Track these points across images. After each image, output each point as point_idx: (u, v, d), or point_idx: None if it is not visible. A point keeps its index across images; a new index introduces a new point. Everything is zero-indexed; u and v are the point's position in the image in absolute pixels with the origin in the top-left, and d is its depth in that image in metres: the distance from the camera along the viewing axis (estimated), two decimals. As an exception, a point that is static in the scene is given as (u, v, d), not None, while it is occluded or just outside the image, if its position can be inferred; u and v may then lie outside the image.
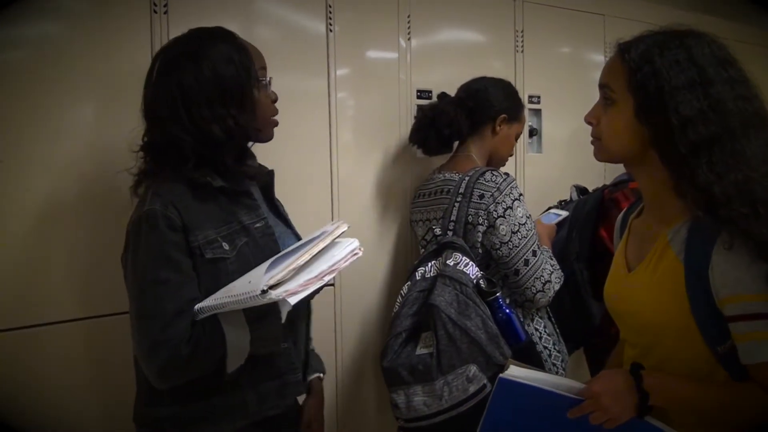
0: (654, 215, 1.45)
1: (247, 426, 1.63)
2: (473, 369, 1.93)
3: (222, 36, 1.65)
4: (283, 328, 1.56)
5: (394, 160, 2.63)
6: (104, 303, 1.94)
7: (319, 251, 1.50)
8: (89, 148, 1.92)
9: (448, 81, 2.55)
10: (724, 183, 1.25)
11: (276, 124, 1.74)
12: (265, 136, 1.73)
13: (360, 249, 1.61)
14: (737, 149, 1.27)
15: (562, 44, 3.27)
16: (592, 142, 1.46)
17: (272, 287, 1.38)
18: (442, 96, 2.51)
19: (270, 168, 1.83)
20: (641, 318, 1.42)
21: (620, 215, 1.71)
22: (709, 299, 1.28)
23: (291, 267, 1.42)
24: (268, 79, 1.70)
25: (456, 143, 2.48)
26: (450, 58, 2.79)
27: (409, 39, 2.65)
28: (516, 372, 1.38)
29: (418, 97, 2.68)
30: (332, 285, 2.44)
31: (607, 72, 1.42)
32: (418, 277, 2.16)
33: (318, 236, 1.55)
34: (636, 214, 1.57)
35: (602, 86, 1.42)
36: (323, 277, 1.48)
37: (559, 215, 2.59)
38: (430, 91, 2.68)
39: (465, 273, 2.04)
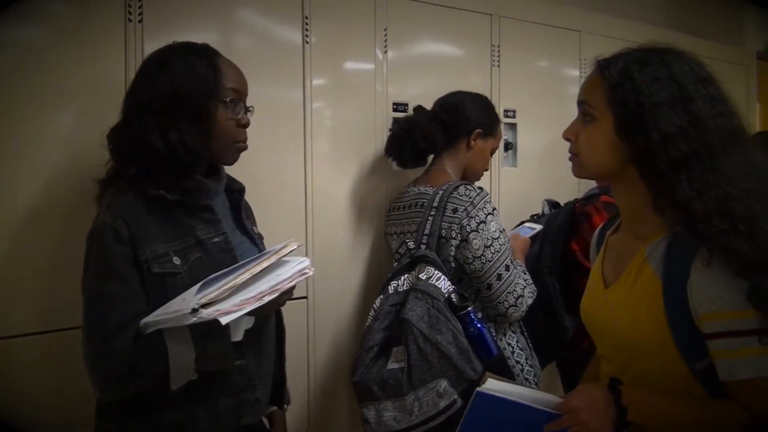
0: (631, 231, 1.45)
1: None
2: (444, 384, 1.92)
3: (196, 51, 1.65)
4: (240, 345, 1.55)
5: (369, 172, 2.62)
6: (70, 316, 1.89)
7: (264, 270, 1.50)
8: (61, 156, 1.90)
9: (424, 94, 2.56)
10: (704, 199, 1.26)
11: (240, 149, 1.70)
12: (224, 159, 1.70)
13: (310, 269, 1.60)
14: (717, 166, 1.28)
15: (537, 59, 3.29)
16: (570, 159, 1.46)
17: (205, 306, 1.37)
18: (418, 109, 2.51)
19: (241, 184, 1.83)
20: (619, 335, 1.41)
21: (596, 231, 1.71)
22: (687, 316, 1.27)
23: (227, 286, 1.41)
24: (240, 103, 1.67)
25: (431, 157, 2.48)
26: (426, 70, 2.80)
27: (385, 51, 2.65)
28: (493, 385, 1.36)
29: (394, 110, 2.68)
30: (305, 298, 2.42)
31: (586, 88, 1.42)
32: (390, 291, 2.15)
33: (263, 255, 1.53)
34: (613, 230, 1.57)
35: (581, 103, 1.42)
36: (263, 297, 1.47)
37: (533, 229, 2.60)
38: (406, 104, 2.68)
39: (437, 287, 2.03)
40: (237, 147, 1.69)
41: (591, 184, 2.84)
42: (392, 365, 2.00)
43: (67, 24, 1.91)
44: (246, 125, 1.69)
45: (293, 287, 1.59)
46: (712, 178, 1.27)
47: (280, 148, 2.32)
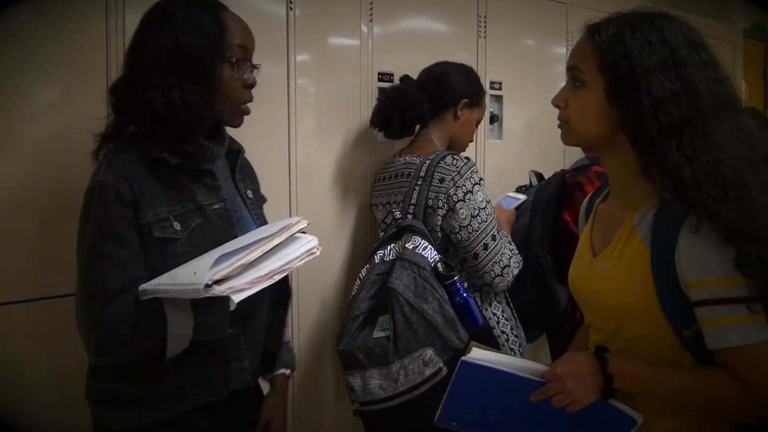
0: (620, 200, 1.44)
1: (193, 411, 1.59)
2: (429, 352, 1.92)
3: (202, 4, 1.56)
4: (232, 315, 1.49)
5: (354, 144, 2.61)
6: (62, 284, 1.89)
7: (273, 248, 1.47)
8: (48, 128, 1.88)
9: (410, 65, 2.53)
10: (694, 165, 1.24)
11: (245, 112, 1.64)
12: (229, 121, 1.65)
13: (318, 248, 1.58)
14: (708, 132, 1.26)
15: (524, 32, 3.27)
16: (560, 126, 1.44)
17: (217, 282, 1.34)
18: (405, 79, 2.49)
19: (239, 145, 1.78)
20: (606, 303, 1.41)
21: (585, 200, 1.70)
22: (675, 284, 1.27)
23: (240, 263, 1.38)
24: (247, 63, 1.60)
25: (417, 127, 2.46)
26: (412, 42, 2.77)
27: (371, 22, 2.62)
28: (478, 355, 1.35)
29: (380, 80, 2.65)
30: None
31: (577, 53, 1.40)
32: (376, 261, 2.14)
33: (274, 232, 1.50)
34: (602, 198, 1.56)
35: (571, 68, 1.39)
36: (273, 276, 1.44)
37: (518, 199, 2.60)
38: (392, 74, 2.66)
39: (423, 256, 2.03)
40: (242, 109, 1.63)
41: (577, 156, 2.83)
42: (378, 334, 2.00)
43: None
44: (252, 86, 1.62)
45: None
46: (703, 145, 1.26)
47: (264, 123, 2.27)
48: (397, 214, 2.21)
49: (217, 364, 1.61)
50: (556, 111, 1.45)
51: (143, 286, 1.44)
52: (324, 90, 2.51)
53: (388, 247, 2.15)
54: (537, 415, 1.36)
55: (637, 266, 1.32)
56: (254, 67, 1.63)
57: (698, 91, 1.28)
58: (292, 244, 1.53)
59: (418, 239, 2.08)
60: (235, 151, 1.75)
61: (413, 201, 2.19)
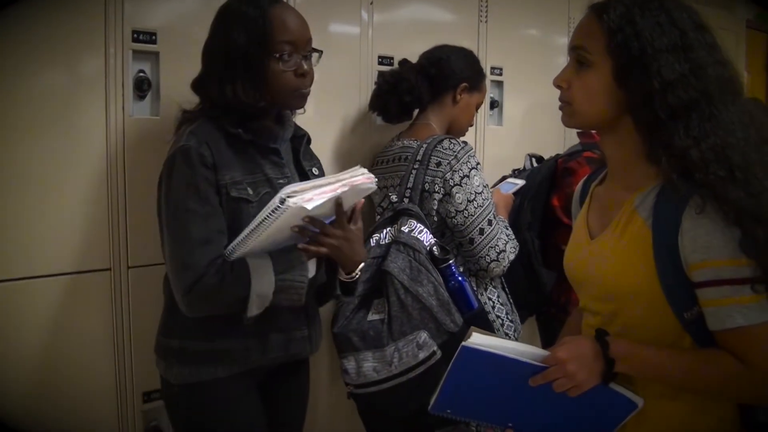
0: (620, 182, 1.42)
1: (249, 371, 1.77)
2: (424, 336, 1.92)
3: (257, 4, 1.71)
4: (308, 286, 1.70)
5: (353, 128, 2.59)
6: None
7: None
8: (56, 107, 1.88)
9: (410, 52, 2.51)
10: (702, 147, 1.23)
11: (303, 95, 1.79)
12: (288, 106, 1.83)
13: (375, 180, 1.72)
14: (714, 114, 1.26)
15: (526, 17, 3.25)
16: (561, 108, 1.41)
17: (290, 196, 1.51)
18: (404, 62, 2.47)
19: (303, 131, 1.95)
20: (605, 285, 1.39)
21: (580, 183, 1.68)
22: (678, 265, 1.26)
23: (308, 185, 1.57)
24: (296, 55, 1.73)
25: (416, 111, 2.45)
26: (413, 28, 2.75)
27: (371, 5, 2.59)
28: (479, 340, 1.32)
29: (380, 63, 2.63)
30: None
31: (582, 33, 1.37)
32: (372, 244, 2.14)
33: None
34: (598, 182, 1.55)
35: (576, 48, 1.36)
36: (337, 189, 1.61)
37: (516, 185, 2.59)
38: (392, 58, 2.64)
39: (419, 240, 2.03)
40: (299, 94, 1.77)
41: (572, 142, 2.82)
42: (372, 317, 2.00)
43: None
44: (304, 74, 1.75)
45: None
46: (710, 127, 1.25)
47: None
48: (394, 198, 2.20)
49: (279, 331, 1.78)
50: (557, 97, 1.42)
51: (230, 246, 1.63)
52: (324, 75, 2.47)
53: (384, 231, 2.15)
54: (535, 401, 1.35)
55: (638, 248, 1.31)
56: (305, 56, 1.76)
57: (706, 74, 1.27)
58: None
59: (414, 223, 2.08)
60: (300, 136, 1.92)
61: (410, 185, 2.18)
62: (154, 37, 2.01)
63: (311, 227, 1.65)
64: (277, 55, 1.70)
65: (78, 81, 1.92)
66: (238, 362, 1.74)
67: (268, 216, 1.53)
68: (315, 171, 1.94)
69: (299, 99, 1.79)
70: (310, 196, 1.54)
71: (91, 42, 1.92)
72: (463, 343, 1.33)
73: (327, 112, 2.51)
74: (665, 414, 1.35)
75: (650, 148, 1.30)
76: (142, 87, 2.01)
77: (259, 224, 1.55)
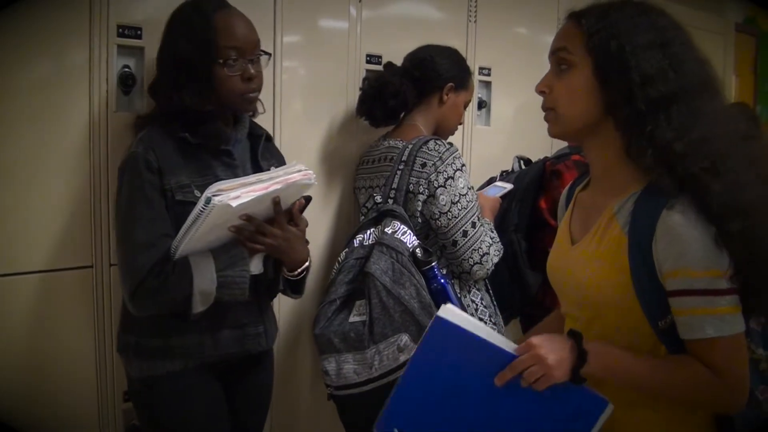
0: (602, 188, 1.43)
1: (205, 365, 1.83)
2: (405, 338, 1.92)
3: (198, 9, 1.76)
4: (250, 282, 1.75)
5: (340, 126, 2.58)
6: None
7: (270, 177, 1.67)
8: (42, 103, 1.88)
9: (399, 49, 2.50)
10: (685, 140, 1.25)
11: (251, 99, 1.83)
12: (238, 110, 1.86)
13: (313, 177, 1.73)
14: (695, 108, 1.27)
15: (515, 18, 3.25)
16: (546, 117, 1.42)
17: (216, 195, 1.55)
18: (388, 66, 2.46)
19: (262, 130, 1.97)
20: (583, 291, 1.40)
21: (566, 188, 1.69)
22: (652, 273, 1.27)
23: (236, 182, 1.60)
24: (241, 60, 1.76)
25: (403, 113, 2.44)
26: (402, 26, 2.74)
27: (360, 2, 2.58)
28: (451, 315, 1.27)
29: (368, 62, 2.63)
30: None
31: (562, 36, 1.39)
32: (356, 245, 2.14)
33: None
34: (582, 186, 1.55)
35: (557, 50, 1.38)
36: (269, 188, 1.63)
37: (504, 188, 2.58)
38: (380, 56, 2.63)
39: (402, 241, 2.03)
40: (246, 98, 1.81)
41: (561, 145, 2.82)
42: (354, 318, 2.00)
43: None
44: (251, 78, 1.78)
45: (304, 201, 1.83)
46: (691, 121, 1.26)
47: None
48: (378, 199, 2.19)
49: (233, 328, 1.84)
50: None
51: (173, 244, 1.67)
52: (311, 72, 2.48)
53: (368, 232, 2.14)
54: (501, 404, 1.29)
55: (614, 255, 1.31)
56: (252, 60, 1.79)
57: (684, 70, 1.28)
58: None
59: (397, 224, 2.07)
60: (258, 135, 1.95)
61: (394, 185, 2.18)
62: (139, 32, 1.99)
63: (248, 226, 1.70)
64: (222, 61, 1.73)
65: (62, 75, 1.91)
66: (192, 357, 1.80)
67: (197, 215, 1.58)
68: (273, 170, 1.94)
69: (246, 103, 1.83)
70: (238, 194, 1.57)
71: (75, 37, 1.91)
72: (437, 313, 1.28)
73: (314, 111, 2.51)
74: (640, 423, 1.36)
75: (632, 143, 1.30)
76: (127, 82, 2.00)
77: (191, 224, 1.61)
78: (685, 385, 1.29)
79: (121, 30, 1.97)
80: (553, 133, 1.43)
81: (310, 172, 1.73)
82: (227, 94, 1.77)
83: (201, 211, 1.56)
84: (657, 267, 1.26)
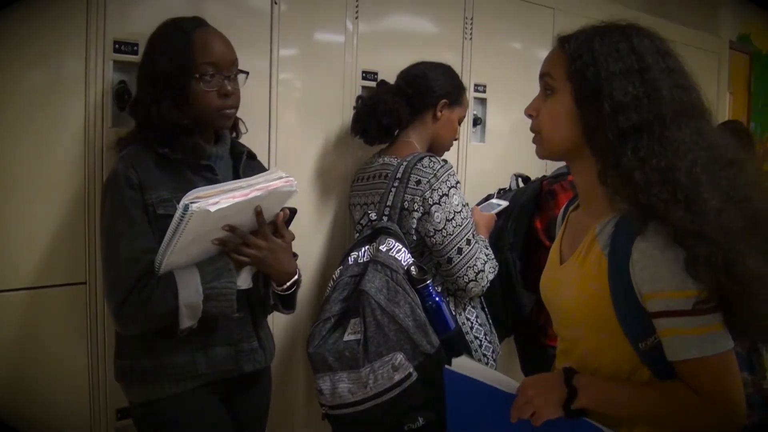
0: (587, 209, 1.45)
1: (207, 385, 1.81)
2: (399, 357, 1.91)
3: (178, 27, 1.80)
4: (239, 300, 1.75)
5: (335, 143, 2.58)
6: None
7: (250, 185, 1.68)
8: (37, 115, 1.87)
9: (394, 64, 2.51)
10: (646, 169, 1.25)
11: (227, 115, 1.84)
12: (214, 125, 1.86)
13: (294, 182, 1.73)
14: (665, 136, 1.27)
15: (510, 35, 3.26)
16: (534, 139, 1.44)
17: (194, 203, 1.55)
18: (381, 84, 2.47)
19: (243, 148, 1.98)
20: (567, 311, 1.42)
21: (562, 208, 1.70)
22: (631, 294, 1.27)
23: (216, 189, 1.61)
24: (218, 75, 1.78)
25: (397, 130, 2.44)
26: (398, 41, 2.75)
27: (356, 19, 2.59)
28: (459, 364, 1.41)
29: (364, 78, 2.63)
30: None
31: (548, 61, 1.41)
32: (350, 262, 2.13)
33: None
34: (574, 207, 1.57)
35: (543, 75, 1.40)
36: (249, 194, 1.64)
37: (499, 205, 2.58)
38: (376, 73, 2.64)
39: (396, 259, 2.02)
40: (222, 114, 1.82)
41: (560, 162, 2.83)
42: (349, 337, 1.99)
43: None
44: (227, 94, 1.81)
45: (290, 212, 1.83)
46: (659, 149, 1.26)
47: (244, 116, 2.23)
48: (373, 216, 2.19)
49: (226, 345, 1.83)
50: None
51: (156, 258, 1.67)
52: (307, 85, 2.49)
53: (363, 249, 2.14)
54: None
55: (595, 275, 1.32)
56: (227, 77, 1.81)
57: (661, 97, 1.29)
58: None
59: (392, 242, 2.07)
60: (239, 153, 1.95)
61: (389, 203, 2.18)
62: (135, 48, 1.99)
63: (233, 238, 1.71)
64: (198, 76, 1.76)
65: (57, 91, 1.90)
66: (188, 377, 1.78)
67: (177, 224, 1.58)
68: None
69: (223, 118, 1.84)
70: (216, 200, 1.58)
71: (71, 51, 1.91)
72: (445, 366, 1.41)
73: (310, 125, 2.51)
74: None
75: (601, 170, 1.32)
76: (123, 97, 1.99)
77: (172, 234, 1.61)
78: (676, 412, 1.29)
79: (117, 45, 1.97)
80: (540, 155, 1.45)
81: (291, 178, 1.73)
82: (204, 109, 1.79)
83: (180, 218, 1.56)
84: (636, 289, 1.27)
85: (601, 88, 1.29)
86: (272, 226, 1.79)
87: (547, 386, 1.33)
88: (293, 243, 1.85)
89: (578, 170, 1.43)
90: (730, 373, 1.25)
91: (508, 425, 1.34)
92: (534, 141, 1.44)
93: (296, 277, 1.89)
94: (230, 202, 1.60)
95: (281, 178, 1.72)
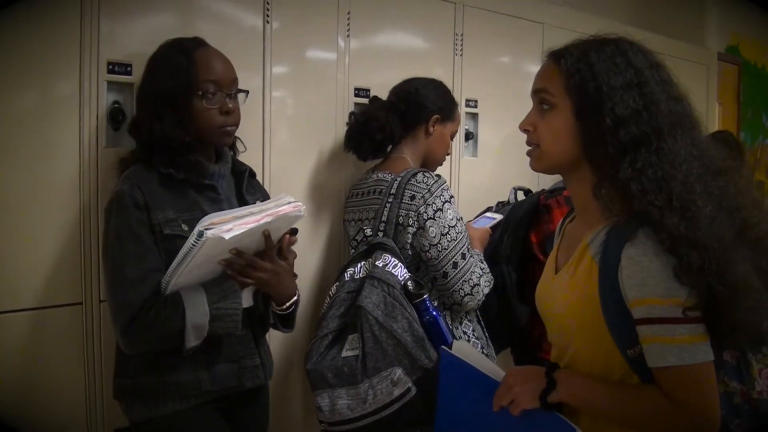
0: (582, 220, 1.47)
1: (209, 403, 1.82)
2: (398, 372, 1.92)
3: (179, 47, 1.83)
4: (243, 315, 1.76)
5: (329, 159, 2.59)
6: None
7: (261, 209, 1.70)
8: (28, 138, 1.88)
9: (386, 81, 2.53)
10: (642, 179, 1.27)
11: (227, 132, 1.86)
12: (215, 143, 1.88)
13: (302, 206, 1.77)
14: (662, 147, 1.29)
15: (500, 50, 3.29)
16: (529, 152, 1.45)
17: (208, 229, 1.57)
18: (374, 100, 2.49)
19: (244, 166, 2.00)
20: (560, 319, 1.45)
21: (561, 220, 1.72)
22: (620, 302, 1.29)
23: (229, 216, 1.63)
24: (219, 93, 1.81)
25: (390, 146, 2.45)
26: (389, 58, 2.77)
27: (348, 37, 2.61)
28: (458, 347, 1.48)
29: (356, 95, 2.65)
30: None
31: (542, 77, 1.42)
32: (347, 278, 2.14)
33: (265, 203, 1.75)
34: (570, 219, 1.59)
35: (538, 91, 1.42)
36: (260, 220, 1.66)
37: (494, 218, 2.59)
38: (368, 90, 2.65)
39: (393, 274, 2.03)
40: (223, 131, 1.85)
41: (550, 178, 2.84)
42: (347, 353, 1.99)
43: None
44: (228, 112, 1.83)
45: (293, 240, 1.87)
46: (656, 160, 1.28)
47: (237, 133, 2.26)
48: (368, 231, 2.20)
49: (229, 362, 1.84)
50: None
51: (164, 279, 1.68)
52: (300, 103, 2.50)
53: (359, 265, 2.15)
54: (501, 424, 1.40)
55: (585, 284, 1.35)
56: (228, 95, 1.84)
57: (659, 110, 1.31)
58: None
59: (388, 257, 2.08)
60: (241, 171, 1.98)
61: (384, 218, 2.19)
62: (129, 69, 2.01)
63: (238, 260, 1.72)
64: (200, 93, 1.79)
65: (52, 112, 1.91)
66: (192, 394, 1.78)
67: (190, 249, 1.60)
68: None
69: (224, 136, 1.86)
70: (230, 227, 1.60)
71: (65, 72, 1.92)
72: (443, 347, 1.47)
73: (303, 142, 2.52)
74: None
75: (597, 183, 1.34)
76: (117, 118, 2.01)
77: (183, 257, 1.63)
78: (649, 416, 1.31)
79: (111, 66, 1.98)
80: (536, 168, 1.47)
81: (299, 204, 1.76)
82: (205, 126, 1.81)
83: (193, 244, 1.58)
84: (624, 296, 1.29)
85: (602, 103, 1.31)
86: (276, 247, 1.81)
87: (528, 377, 1.37)
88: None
89: (574, 182, 1.45)
90: (706, 384, 1.26)
91: (490, 412, 1.38)
92: (530, 154, 1.46)
93: (296, 297, 1.90)
94: (243, 228, 1.62)
95: (290, 203, 1.74)
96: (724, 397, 1.33)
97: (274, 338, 2.39)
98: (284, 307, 1.88)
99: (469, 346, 1.53)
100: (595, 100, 1.31)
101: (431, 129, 2.39)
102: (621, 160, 1.29)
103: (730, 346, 1.33)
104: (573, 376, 1.36)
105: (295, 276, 1.92)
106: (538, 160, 1.44)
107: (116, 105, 2.01)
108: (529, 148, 1.45)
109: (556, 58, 1.39)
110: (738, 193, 1.33)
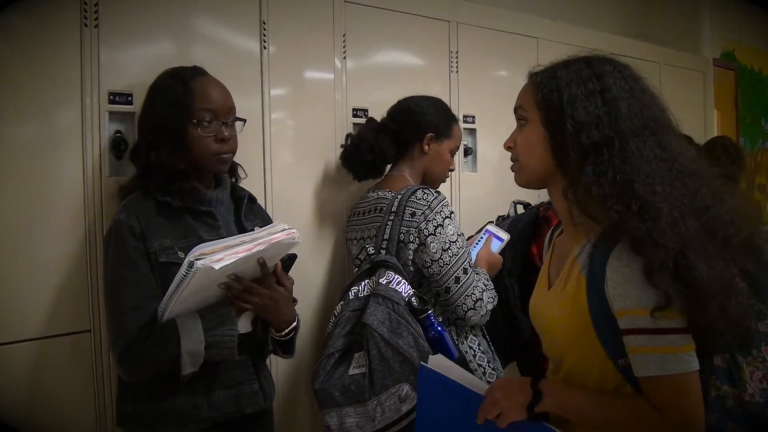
0: (569, 233, 1.49)
1: (206, 429, 1.82)
2: (406, 388, 1.92)
3: (177, 76, 1.86)
4: (240, 344, 1.77)
5: (329, 179, 2.61)
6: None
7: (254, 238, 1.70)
8: (22, 164, 1.90)
9: (384, 100, 2.55)
10: (602, 182, 1.30)
11: (223, 160, 1.87)
12: (211, 170, 1.89)
13: (296, 236, 1.76)
14: (625, 150, 1.32)
15: (496, 65, 3.32)
16: (512, 167, 1.52)
17: (198, 259, 1.58)
18: (369, 121, 2.52)
19: (243, 192, 2.02)
20: (553, 333, 1.47)
21: (549, 233, 1.74)
22: (608, 313, 1.31)
23: (220, 245, 1.63)
24: (215, 121, 1.83)
25: (388, 166, 2.47)
26: (386, 77, 2.80)
27: (344, 58, 2.64)
28: (435, 362, 1.48)
29: (354, 116, 2.67)
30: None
31: (520, 96, 1.49)
32: (351, 297, 2.15)
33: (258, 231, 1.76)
34: (559, 232, 1.62)
35: (516, 109, 1.49)
36: (251, 249, 1.66)
37: (502, 240, 2.55)
38: (366, 110, 2.68)
39: (397, 291, 2.04)
40: (219, 159, 1.86)
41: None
42: (354, 371, 2.00)
43: (23, 29, 1.88)
44: (224, 140, 1.85)
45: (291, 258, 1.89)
46: (618, 163, 1.31)
47: (238, 156, 2.27)
48: (371, 250, 2.21)
49: (227, 387, 1.84)
50: None
51: (159, 307, 1.69)
52: (299, 124, 2.52)
53: (362, 283, 2.16)
54: None
55: (575, 297, 1.37)
56: (224, 123, 1.86)
57: (620, 115, 1.34)
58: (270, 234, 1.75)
59: (391, 274, 2.09)
60: (240, 197, 1.99)
61: (386, 236, 2.20)
62: (130, 98, 2.04)
63: (236, 285, 1.73)
64: (196, 121, 1.81)
65: (55, 142, 1.94)
66: (191, 420, 1.79)
67: (182, 279, 1.61)
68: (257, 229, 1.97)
69: (219, 163, 1.87)
70: (221, 257, 1.61)
71: (67, 103, 1.95)
72: (421, 362, 1.50)
73: (304, 163, 2.54)
74: None
75: (564, 187, 1.38)
76: (120, 147, 2.03)
77: (175, 288, 1.63)
78: (633, 424, 1.33)
79: (112, 96, 2.02)
80: (518, 182, 1.52)
81: (293, 231, 1.76)
82: (200, 154, 1.83)
83: (184, 275, 1.59)
84: (611, 306, 1.31)
85: (563, 110, 1.35)
86: (274, 275, 1.82)
87: (514, 389, 1.39)
88: (293, 287, 1.89)
89: (554, 195, 1.48)
90: (689, 393, 1.28)
91: (474, 425, 1.39)
92: (513, 169, 1.52)
93: (295, 323, 1.91)
94: (234, 258, 1.62)
95: (283, 230, 1.74)
96: (717, 400, 1.34)
97: (281, 360, 2.40)
98: (283, 333, 1.89)
99: (448, 361, 1.54)
100: (558, 108, 1.36)
101: (426, 147, 2.40)
102: (585, 165, 1.32)
103: (719, 350, 1.34)
104: (558, 386, 1.40)
105: (295, 301, 1.93)
106: (518, 174, 1.50)
107: (118, 134, 2.04)
108: (512, 164, 1.51)
109: (531, 77, 1.46)
110: (709, 193, 1.35)
